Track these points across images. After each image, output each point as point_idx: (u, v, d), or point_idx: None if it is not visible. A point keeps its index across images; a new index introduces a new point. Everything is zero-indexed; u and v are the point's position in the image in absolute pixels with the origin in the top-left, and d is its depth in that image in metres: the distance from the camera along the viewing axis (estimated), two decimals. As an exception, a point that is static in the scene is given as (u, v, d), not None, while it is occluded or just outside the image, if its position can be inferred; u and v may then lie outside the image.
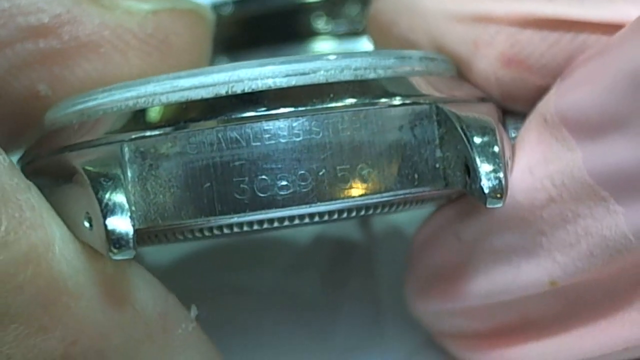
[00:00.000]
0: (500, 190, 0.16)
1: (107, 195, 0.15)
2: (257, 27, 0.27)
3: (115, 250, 0.15)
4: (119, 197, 0.15)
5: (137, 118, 0.16)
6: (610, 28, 0.18)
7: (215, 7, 0.27)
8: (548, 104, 0.18)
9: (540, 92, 0.18)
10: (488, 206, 0.16)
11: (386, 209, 0.17)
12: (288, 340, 0.24)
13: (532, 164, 0.18)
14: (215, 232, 0.17)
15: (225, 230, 0.17)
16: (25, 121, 0.19)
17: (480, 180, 0.16)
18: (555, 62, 0.18)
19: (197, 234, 0.17)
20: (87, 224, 0.16)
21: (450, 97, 0.17)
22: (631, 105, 0.16)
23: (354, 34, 0.27)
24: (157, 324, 0.17)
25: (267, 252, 0.27)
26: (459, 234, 0.19)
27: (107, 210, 0.15)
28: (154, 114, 0.16)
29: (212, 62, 0.26)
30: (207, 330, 0.24)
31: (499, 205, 0.16)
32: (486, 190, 0.16)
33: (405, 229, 0.25)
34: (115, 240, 0.15)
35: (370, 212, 0.17)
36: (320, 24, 0.27)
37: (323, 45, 0.27)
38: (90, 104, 0.17)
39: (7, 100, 0.18)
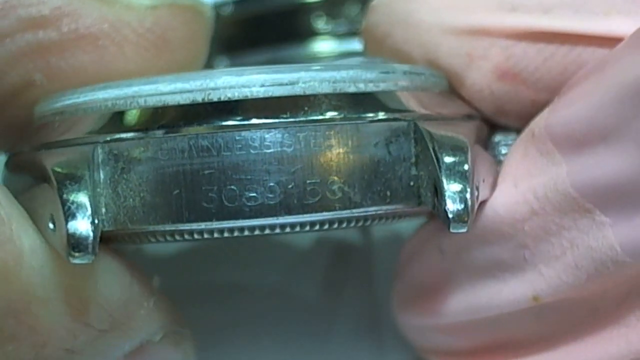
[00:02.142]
0: (464, 214, 0.16)
1: (70, 198, 0.15)
2: (256, 27, 0.27)
3: (74, 254, 0.15)
4: (82, 201, 0.15)
5: (113, 120, 0.16)
6: (605, 41, 0.17)
7: (215, 7, 0.27)
8: (540, 121, 0.17)
9: (534, 107, 0.18)
10: (451, 231, 0.16)
11: (357, 224, 0.17)
12: (285, 342, 0.24)
13: (516, 177, 0.18)
14: (186, 236, 0.17)
15: (196, 236, 0.16)
16: (19, 111, 0.19)
17: (445, 202, 0.16)
18: (550, 75, 0.18)
19: (168, 238, 0.17)
20: (51, 226, 0.16)
21: (431, 115, 0.17)
22: (618, 118, 0.16)
23: (354, 34, 0.26)
24: (121, 313, 0.17)
25: (266, 253, 0.28)
26: (442, 248, 0.19)
27: (69, 213, 0.15)
28: (129, 117, 0.16)
29: (212, 62, 0.26)
30: (205, 329, 0.24)
31: (463, 230, 0.16)
32: (450, 215, 0.16)
33: (404, 234, 0.25)
34: (75, 244, 0.15)
35: (341, 226, 0.17)
36: (320, 24, 0.27)
37: (323, 45, 0.27)
38: (71, 102, 0.17)
39: (3, 89, 0.18)
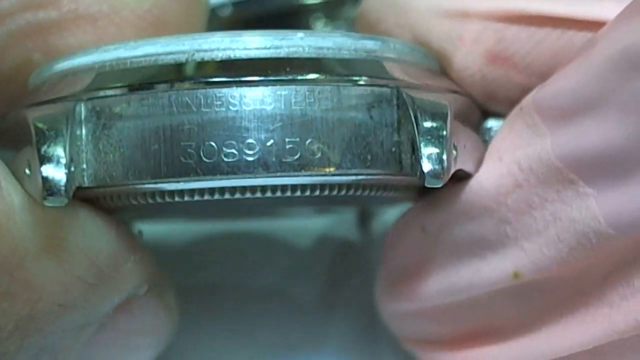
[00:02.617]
0: (440, 170, 0.16)
1: (45, 145, 0.16)
2: (256, 29, 0.27)
3: (48, 196, 0.15)
4: (57, 149, 0.16)
5: (97, 80, 0.17)
6: (597, 26, 0.17)
7: (215, 9, 0.27)
8: (529, 97, 0.17)
9: (525, 92, 0.18)
10: (427, 185, 0.16)
11: (339, 192, 0.17)
12: (283, 342, 0.24)
13: (502, 151, 0.18)
14: (167, 198, 0.17)
15: (177, 198, 0.17)
16: (16, 89, 0.19)
17: (422, 160, 0.16)
18: (541, 60, 0.18)
19: (149, 199, 0.17)
20: (27, 171, 0.16)
21: (416, 84, 0.17)
22: (604, 88, 0.16)
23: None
24: (109, 266, 0.17)
25: (266, 253, 0.28)
26: (425, 227, 0.19)
27: (45, 158, 0.16)
28: (113, 77, 0.17)
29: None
30: (203, 328, 0.24)
31: (438, 184, 0.16)
32: (425, 169, 0.16)
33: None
34: (48, 187, 0.15)
35: (323, 192, 0.17)
36: (319, 25, 0.27)
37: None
38: (59, 65, 0.17)
39: (2, 68, 0.19)
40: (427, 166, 0.16)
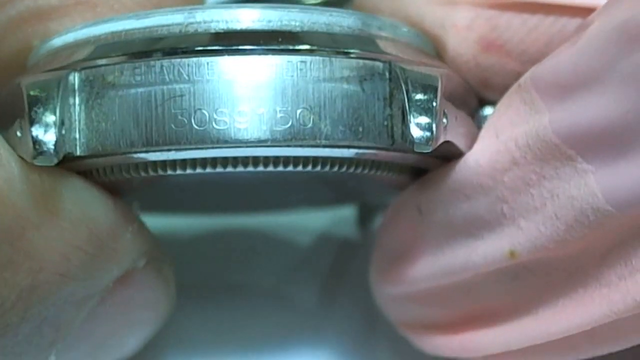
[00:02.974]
0: (429, 136, 0.16)
1: (36, 108, 0.16)
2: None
3: (38, 156, 0.16)
4: (48, 113, 0.16)
5: (92, 51, 0.17)
6: (590, 12, 0.17)
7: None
8: (527, 74, 0.17)
9: (519, 79, 0.18)
10: (415, 150, 0.16)
11: (332, 168, 0.17)
12: (281, 340, 0.24)
13: (498, 128, 0.17)
14: (159, 170, 0.17)
15: (169, 170, 0.17)
16: (16, 74, 0.19)
17: (411, 127, 0.16)
18: (535, 47, 0.18)
19: (142, 172, 0.17)
20: (18, 134, 0.16)
21: (409, 59, 0.17)
22: (602, 62, 0.16)
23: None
24: (108, 236, 0.18)
25: (266, 251, 0.28)
26: (420, 207, 0.19)
27: (35, 119, 0.16)
28: (106, 48, 0.17)
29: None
30: (200, 326, 0.24)
31: (427, 149, 0.16)
32: (414, 135, 0.16)
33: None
34: (38, 146, 0.16)
35: (316, 167, 0.17)
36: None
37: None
38: (54, 41, 0.18)
39: (1, 54, 0.19)
40: (416, 132, 0.16)
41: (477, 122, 0.19)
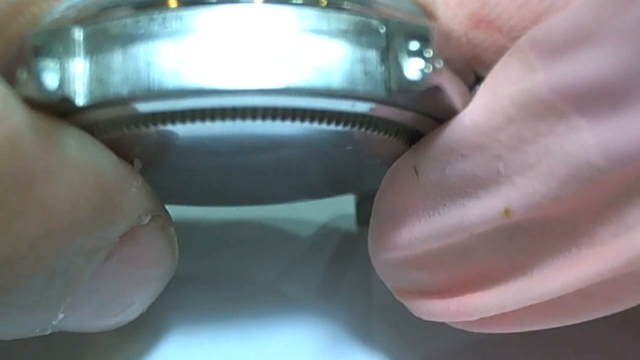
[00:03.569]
0: (422, 76, 0.17)
1: (41, 55, 0.16)
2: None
3: (41, 90, 0.16)
4: (52, 59, 0.16)
5: (97, 10, 0.17)
6: None
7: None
8: (524, 35, 0.17)
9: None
10: (410, 88, 0.17)
11: (330, 123, 0.17)
12: (279, 334, 0.24)
13: (495, 87, 0.18)
14: (159, 124, 0.17)
15: (168, 123, 0.17)
16: None
17: (405, 70, 0.17)
18: (524, 23, 0.18)
19: (142, 126, 0.17)
20: (24, 76, 0.16)
21: (405, 19, 0.17)
22: (598, 18, 0.16)
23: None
24: (115, 188, 0.18)
25: (265, 245, 0.28)
26: (416, 169, 0.19)
27: (39, 62, 0.16)
28: (110, 2, 0.17)
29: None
30: (200, 320, 0.24)
31: (420, 85, 0.17)
32: (409, 76, 0.17)
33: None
34: (42, 82, 0.16)
35: (313, 121, 0.17)
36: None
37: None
38: (60, 7, 0.18)
39: (10, 33, 0.19)
40: (410, 72, 0.17)
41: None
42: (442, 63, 0.17)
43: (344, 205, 0.28)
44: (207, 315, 0.25)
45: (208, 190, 0.24)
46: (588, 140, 0.16)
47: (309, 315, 0.25)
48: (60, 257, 0.17)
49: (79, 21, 0.17)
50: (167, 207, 0.24)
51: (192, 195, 0.25)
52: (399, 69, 0.17)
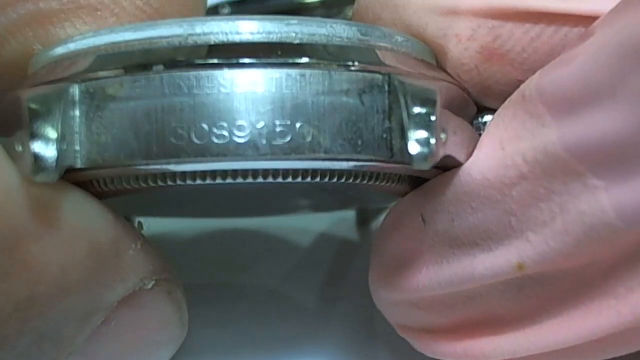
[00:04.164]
0: (428, 153, 0.16)
1: (37, 123, 0.16)
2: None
3: (39, 172, 0.15)
4: (49, 127, 0.16)
5: (92, 63, 0.17)
6: (591, 21, 0.17)
7: (214, 9, 0.27)
8: (531, 83, 0.17)
9: (520, 87, 0.17)
10: (414, 167, 0.16)
11: (332, 179, 0.17)
12: (281, 341, 0.24)
13: (504, 140, 0.17)
14: (159, 182, 0.16)
15: (169, 182, 0.16)
16: (16, 78, 0.19)
17: (409, 143, 0.16)
18: (537, 56, 0.18)
19: (142, 183, 0.17)
20: (19, 148, 0.16)
21: (408, 71, 0.17)
22: (613, 77, 0.15)
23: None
24: (110, 251, 0.17)
25: (266, 252, 0.28)
26: (424, 217, 0.18)
27: (36, 135, 0.16)
28: (107, 59, 0.17)
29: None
30: (201, 327, 0.24)
31: (425, 167, 0.16)
32: (413, 152, 0.16)
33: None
34: (39, 162, 0.15)
35: (315, 179, 0.17)
36: (319, 25, 0.27)
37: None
38: (55, 51, 0.17)
39: (2, 57, 0.19)
40: (414, 148, 0.16)
41: (476, 129, 0.19)
42: (446, 134, 0.17)
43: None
44: (209, 324, 0.25)
45: (206, 205, 0.24)
46: (604, 201, 0.16)
47: (312, 321, 0.25)
48: (49, 320, 0.17)
49: (75, 77, 0.16)
50: (161, 218, 0.23)
51: (185, 210, 0.24)
52: (403, 137, 0.16)
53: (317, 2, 0.27)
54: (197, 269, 0.26)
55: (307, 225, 0.28)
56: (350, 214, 0.28)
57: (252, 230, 0.28)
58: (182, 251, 0.27)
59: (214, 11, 0.27)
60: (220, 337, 0.24)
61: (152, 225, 0.24)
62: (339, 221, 0.29)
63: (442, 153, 0.16)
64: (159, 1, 0.19)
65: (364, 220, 0.28)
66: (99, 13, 0.18)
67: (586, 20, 0.17)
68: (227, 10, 0.27)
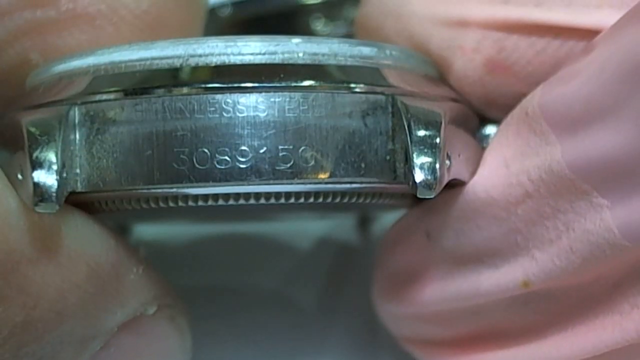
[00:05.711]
0: (432, 180, 0.16)
1: (37, 151, 0.15)
2: (255, 29, 0.27)
3: (39, 203, 0.15)
4: (49, 154, 0.15)
5: (92, 84, 0.16)
6: (597, 35, 0.17)
7: (214, 9, 0.27)
8: (533, 99, 0.17)
9: (523, 100, 0.17)
10: (419, 195, 0.16)
11: (334, 199, 0.16)
12: (282, 345, 0.24)
13: (508, 158, 0.17)
14: (161, 203, 0.16)
15: (170, 203, 0.16)
16: (12, 88, 0.18)
17: (414, 170, 0.16)
18: (542, 69, 0.17)
19: (143, 204, 0.16)
20: (19, 176, 0.16)
21: (412, 91, 0.16)
22: (617, 96, 0.15)
23: (352, 36, 0.27)
24: (110, 275, 0.17)
25: (266, 256, 0.28)
26: (429, 233, 0.18)
27: (36, 163, 0.15)
28: (107, 80, 0.16)
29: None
30: (201, 331, 0.24)
31: (430, 195, 0.16)
32: (417, 179, 0.16)
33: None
34: (39, 193, 0.15)
35: (317, 199, 0.16)
36: (319, 25, 0.27)
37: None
38: (55, 68, 0.17)
39: (1, 68, 0.18)
40: (419, 176, 0.16)
41: (479, 141, 0.19)
42: (449, 161, 0.16)
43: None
44: (208, 329, 0.24)
45: (205, 211, 0.24)
46: (609, 220, 0.16)
47: (312, 325, 0.25)
48: (45, 345, 0.16)
49: (74, 98, 0.16)
50: (159, 224, 0.23)
51: (185, 216, 0.24)
52: (407, 161, 0.16)
53: (318, 3, 0.27)
54: (196, 273, 0.26)
55: (306, 229, 0.28)
56: (349, 217, 0.28)
57: (252, 234, 0.28)
58: (180, 255, 0.26)
59: (214, 12, 0.26)
60: (219, 341, 0.24)
61: (151, 229, 0.24)
62: (339, 225, 0.28)
63: (446, 179, 0.16)
64: (159, 8, 0.18)
65: (363, 224, 0.28)
66: (97, 22, 0.18)
67: (593, 34, 0.17)
68: (228, 10, 0.27)
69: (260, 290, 0.26)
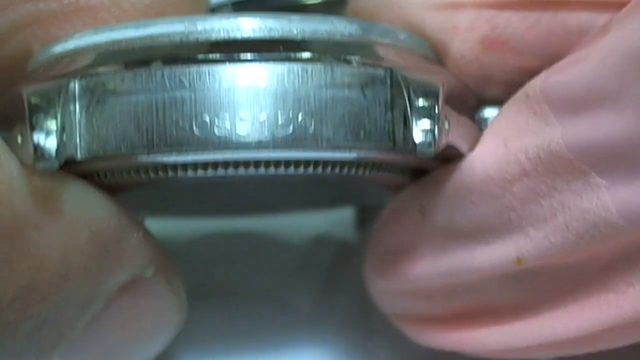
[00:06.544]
0: (431, 140, 0.16)
1: (37, 116, 0.16)
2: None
3: (39, 161, 0.16)
4: (49, 119, 0.16)
5: (92, 60, 0.16)
6: (587, 5, 0.17)
7: (214, 9, 0.27)
8: (536, 82, 0.17)
9: (522, 73, 0.18)
10: (418, 155, 0.16)
11: (333, 169, 0.17)
12: (279, 343, 0.24)
13: (507, 137, 0.17)
14: (160, 173, 0.16)
15: (170, 173, 0.16)
16: (13, 79, 0.18)
17: (413, 132, 0.16)
18: (536, 41, 0.18)
19: (143, 175, 0.17)
20: (19, 139, 0.16)
21: (409, 66, 0.17)
22: (619, 83, 0.15)
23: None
24: (111, 238, 0.17)
25: (264, 253, 0.27)
26: (423, 210, 0.18)
27: (36, 126, 0.16)
28: (107, 56, 0.16)
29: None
30: (198, 329, 0.24)
31: (429, 154, 0.16)
32: (417, 140, 0.16)
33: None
34: (39, 152, 0.16)
35: (317, 169, 0.16)
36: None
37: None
38: (55, 48, 0.17)
39: (1, 58, 0.18)
40: (418, 137, 0.16)
41: (477, 124, 0.19)
42: (449, 124, 0.16)
43: (342, 211, 0.28)
44: (204, 327, 0.24)
45: (203, 203, 0.24)
46: (607, 199, 0.16)
47: (309, 323, 0.25)
48: (49, 306, 0.17)
49: (75, 72, 0.16)
50: (158, 217, 0.23)
51: (184, 208, 0.24)
52: (406, 126, 0.16)
53: (318, 3, 0.27)
54: (193, 269, 0.26)
55: (305, 226, 0.28)
56: (348, 215, 0.28)
57: (249, 231, 0.28)
58: (177, 252, 0.26)
59: (214, 11, 0.27)
60: (216, 337, 0.24)
61: (150, 228, 0.24)
62: (338, 222, 0.28)
63: (445, 141, 0.16)
64: (160, 4, 0.19)
65: (362, 222, 0.28)
66: (99, 15, 0.18)
67: (581, 5, 0.17)
68: (228, 9, 0.27)
69: (256, 288, 0.26)
